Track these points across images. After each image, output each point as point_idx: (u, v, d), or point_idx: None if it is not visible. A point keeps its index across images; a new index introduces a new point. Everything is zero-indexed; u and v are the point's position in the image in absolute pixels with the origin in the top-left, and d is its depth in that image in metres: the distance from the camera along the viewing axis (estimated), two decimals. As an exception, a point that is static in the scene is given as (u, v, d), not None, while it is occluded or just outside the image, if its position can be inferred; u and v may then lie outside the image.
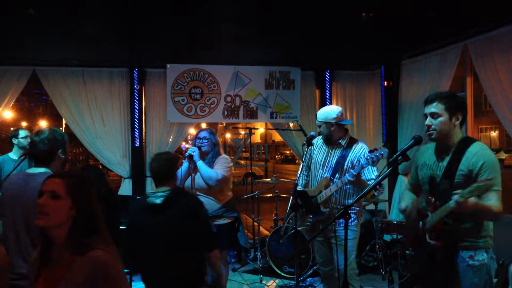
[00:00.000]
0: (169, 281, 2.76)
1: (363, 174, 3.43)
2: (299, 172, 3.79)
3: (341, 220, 3.25)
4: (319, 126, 3.67)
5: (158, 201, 2.75)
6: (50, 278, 1.72)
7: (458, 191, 2.26)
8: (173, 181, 2.89)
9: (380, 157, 3.14)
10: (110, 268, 1.69)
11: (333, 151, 3.67)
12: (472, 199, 2.23)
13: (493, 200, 2.34)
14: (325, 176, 3.63)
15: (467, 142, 2.49)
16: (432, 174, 2.57)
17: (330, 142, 3.68)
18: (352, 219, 3.58)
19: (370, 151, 3.20)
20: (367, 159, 3.17)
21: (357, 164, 3.40)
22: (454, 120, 2.50)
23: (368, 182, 3.40)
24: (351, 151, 3.60)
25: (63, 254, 1.72)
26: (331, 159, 3.65)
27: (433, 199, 2.50)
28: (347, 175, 3.33)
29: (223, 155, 4.16)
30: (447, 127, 2.51)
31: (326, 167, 3.66)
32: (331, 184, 3.51)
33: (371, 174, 3.45)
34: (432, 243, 2.48)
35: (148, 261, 2.81)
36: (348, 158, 3.57)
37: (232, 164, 4.18)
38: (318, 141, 3.80)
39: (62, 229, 1.72)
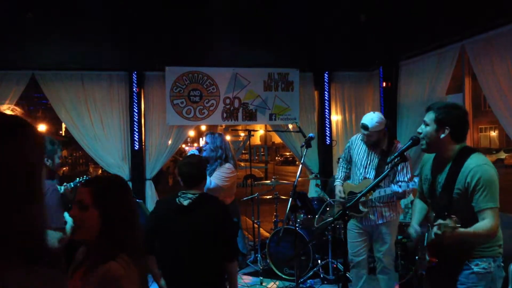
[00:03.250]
0: (189, 286, 2.75)
1: (397, 176, 3.60)
2: (338, 169, 4.02)
3: (383, 215, 3.68)
4: (370, 136, 3.66)
5: (186, 202, 2.76)
6: (83, 279, 1.65)
7: (439, 221, 2.17)
8: (202, 185, 2.92)
9: (410, 191, 3.41)
10: (122, 285, 1.55)
11: (373, 152, 3.75)
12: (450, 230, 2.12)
13: (486, 219, 2.26)
14: (367, 177, 3.70)
15: (464, 154, 2.39)
16: (433, 188, 2.53)
17: (376, 146, 3.73)
18: (394, 214, 3.76)
19: (408, 179, 3.48)
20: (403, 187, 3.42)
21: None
22: (440, 132, 2.41)
23: (399, 183, 3.54)
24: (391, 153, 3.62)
25: (90, 259, 1.66)
26: (372, 159, 3.74)
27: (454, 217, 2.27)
28: (391, 190, 3.53)
29: (227, 164, 4.09)
30: (433, 138, 2.44)
31: (368, 168, 3.74)
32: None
33: (404, 177, 3.57)
34: (427, 259, 2.47)
35: (170, 262, 2.79)
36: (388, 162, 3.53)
37: (234, 174, 4.12)
38: (356, 140, 3.88)
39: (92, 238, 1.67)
